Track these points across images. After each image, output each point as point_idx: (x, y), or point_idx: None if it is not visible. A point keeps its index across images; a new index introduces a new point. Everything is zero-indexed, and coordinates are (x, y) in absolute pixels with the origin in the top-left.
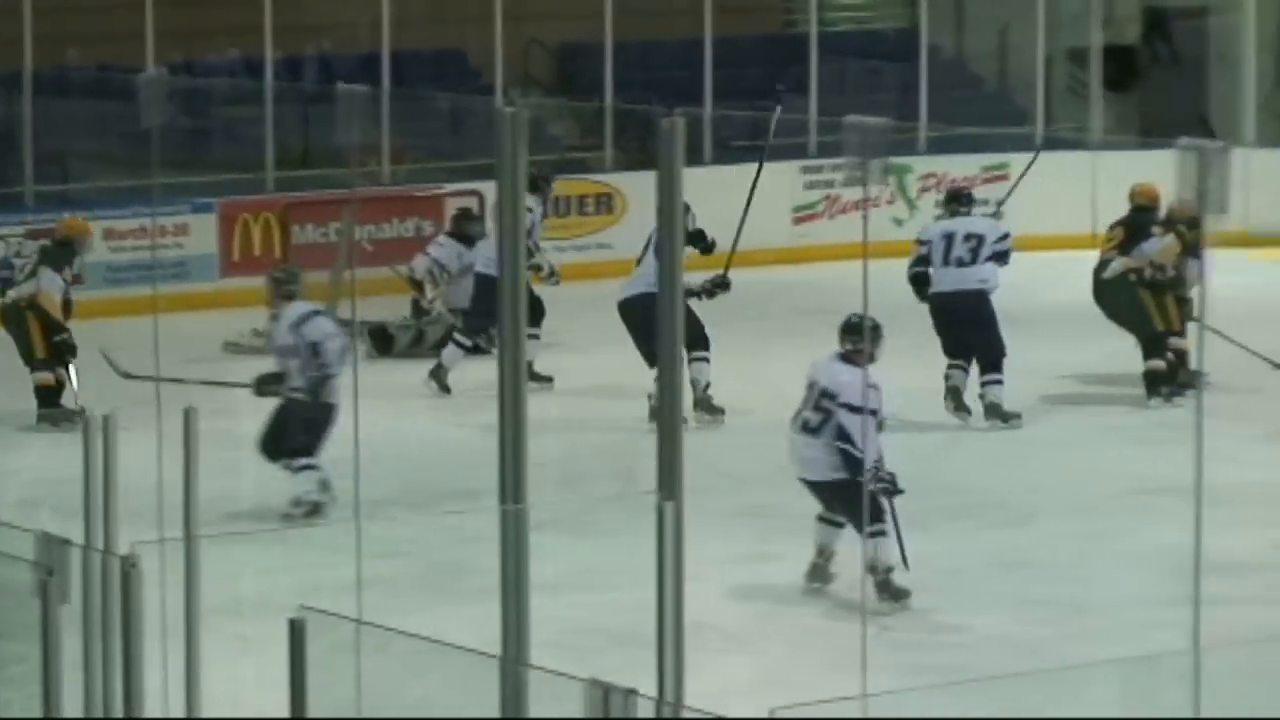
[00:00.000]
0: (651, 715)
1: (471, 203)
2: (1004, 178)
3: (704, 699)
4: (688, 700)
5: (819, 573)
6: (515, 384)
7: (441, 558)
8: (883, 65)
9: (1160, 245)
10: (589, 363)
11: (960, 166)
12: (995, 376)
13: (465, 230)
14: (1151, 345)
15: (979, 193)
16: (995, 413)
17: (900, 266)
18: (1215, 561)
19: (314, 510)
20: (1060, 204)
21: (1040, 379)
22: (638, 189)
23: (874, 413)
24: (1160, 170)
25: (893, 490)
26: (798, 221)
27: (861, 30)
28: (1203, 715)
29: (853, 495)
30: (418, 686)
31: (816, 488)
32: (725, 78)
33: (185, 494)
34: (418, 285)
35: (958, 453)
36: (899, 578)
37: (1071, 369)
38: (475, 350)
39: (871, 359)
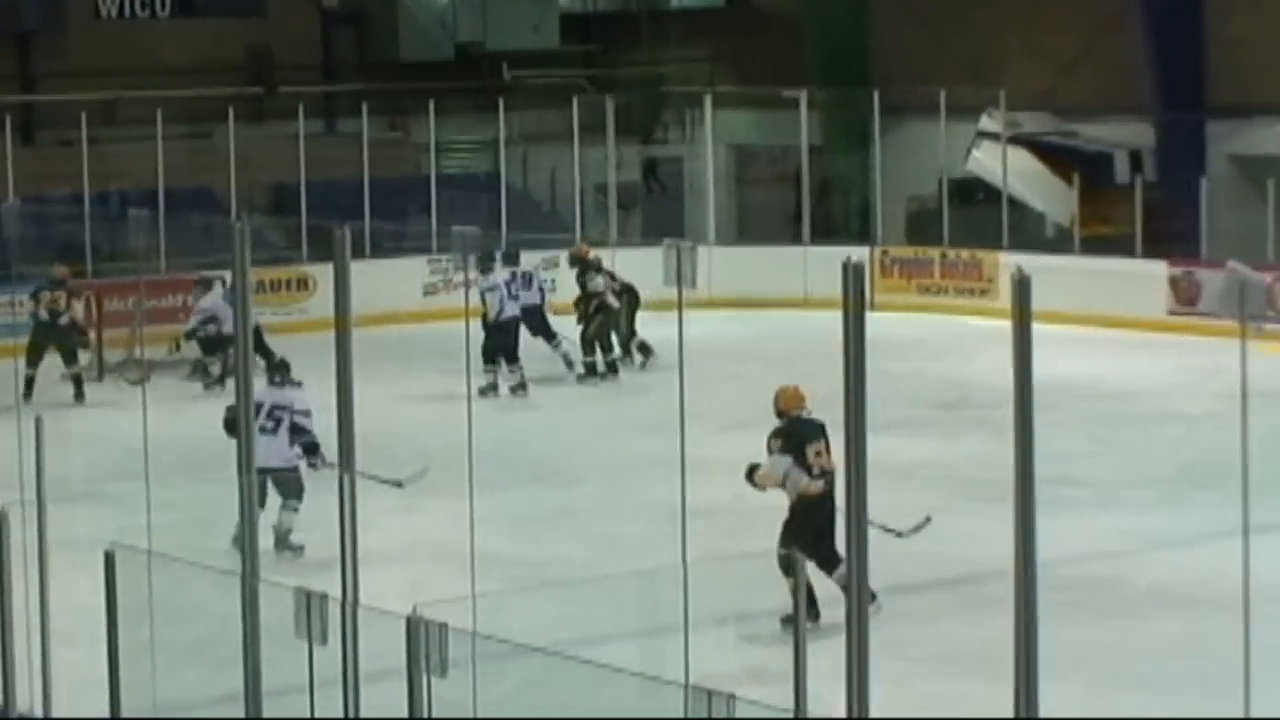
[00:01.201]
0: (337, 613)
1: (215, 283)
2: (555, 265)
3: (372, 599)
4: (362, 601)
5: (284, 542)
6: (246, 405)
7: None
8: (478, 195)
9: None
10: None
11: (529, 260)
12: None
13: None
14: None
15: (543, 276)
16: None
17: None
18: (695, 508)
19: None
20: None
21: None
22: (323, 275)
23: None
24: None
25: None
26: (426, 294)
27: (464, 173)
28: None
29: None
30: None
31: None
32: (377, 203)
33: (37, 468)
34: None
35: (524, 426)
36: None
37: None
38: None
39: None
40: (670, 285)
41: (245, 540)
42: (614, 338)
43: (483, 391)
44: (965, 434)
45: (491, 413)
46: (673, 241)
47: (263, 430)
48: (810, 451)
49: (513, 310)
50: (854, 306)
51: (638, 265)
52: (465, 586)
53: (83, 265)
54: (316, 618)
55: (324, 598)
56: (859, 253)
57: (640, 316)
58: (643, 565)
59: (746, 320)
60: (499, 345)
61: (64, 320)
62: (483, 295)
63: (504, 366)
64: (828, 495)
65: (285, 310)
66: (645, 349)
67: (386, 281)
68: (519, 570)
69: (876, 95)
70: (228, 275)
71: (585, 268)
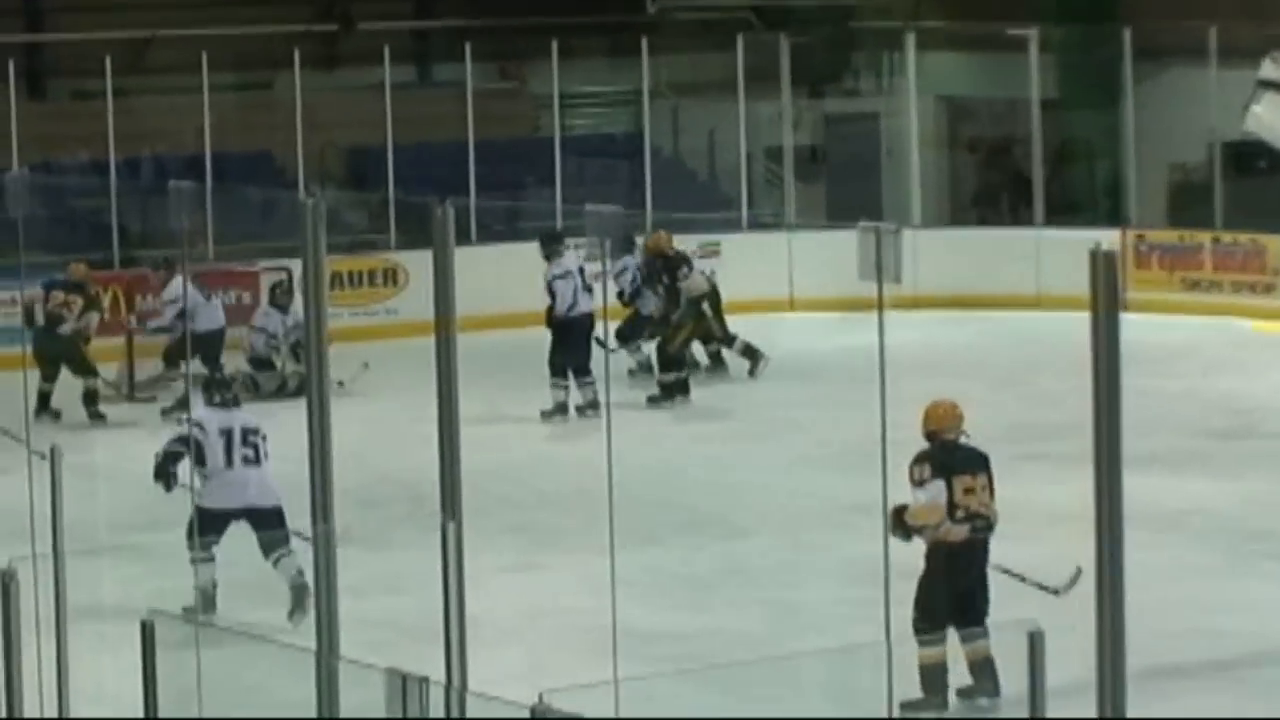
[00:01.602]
0: (441, 699)
1: (281, 277)
2: (716, 254)
3: (485, 684)
4: (471, 685)
5: (302, 601)
6: (322, 420)
7: (267, 568)
8: (614, 163)
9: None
10: (383, 408)
11: (681, 245)
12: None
13: (279, 302)
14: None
15: (699, 267)
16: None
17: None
18: (901, 567)
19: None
20: (763, 275)
21: (751, 418)
22: (416, 264)
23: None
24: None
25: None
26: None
27: (596, 134)
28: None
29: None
30: (248, 677)
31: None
32: (485, 173)
33: (53, 516)
34: (263, 362)
35: (687, 478)
36: None
37: (773, 409)
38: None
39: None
40: (866, 280)
41: (324, 605)
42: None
43: (547, 415)
44: (1248, 471)
45: (599, 440)
46: (870, 224)
47: (246, 461)
48: (959, 486)
49: (586, 305)
50: (1104, 306)
51: (821, 253)
52: (603, 668)
53: (107, 254)
54: (415, 706)
55: (424, 681)
56: (1108, 237)
57: (826, 319)
58: (833, 641)
59: (962, 324)
60: (569, 348)
61: (65, 329)
62: (550, 285)
63: (570, 378)
64: (977, 546)
65: (367, 310)
66: (753, 353)
67: (497, 274)
68: (671, 647)
69: (1128, 35)
70: (296, 268)
71: (670, 265)
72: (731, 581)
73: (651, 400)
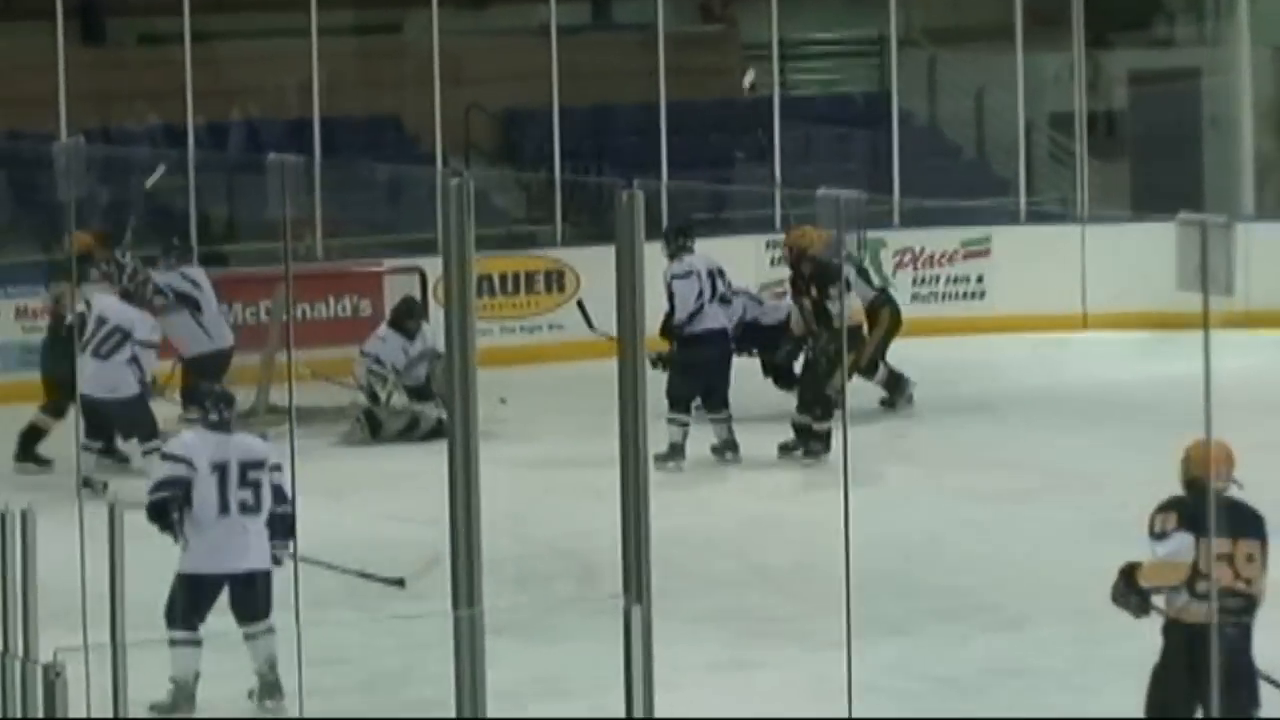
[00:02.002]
0: None
1: (412, 281)
2: (985, 253)
3: None
4: None
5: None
6: (467, 473)
7: (388, 665)
8: (851, 132)
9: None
10: (541, 451)
11: (938, 241)
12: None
13: (405, 324)
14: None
15: (960, 269)
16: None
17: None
18: None
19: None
20: (1047, 282)
21: (1025, 470)
22: (590, 265)
23: None
24: (1149, 243)
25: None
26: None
27: (828, 94)
28: None
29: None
30: None
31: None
32: (681, 145)
33: (111, 595)
34: (371, 395)
35: (939, 551)
36: None
37: (1055, 459)
38: None
39: None
40: (1186, 290)
41: (468, 714)
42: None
43: (661, 460)
44: None
45: (817, 498)
46: (1191, 216)
47: (244, 508)
48: (1213, 550)
49: (718, 318)
50: None
51: (1124, 254)
52: None
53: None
54: None
55: None
56: None
57: (1130, 339)
58: None
59: None
60: (693, 370)
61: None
62: (669, 286)
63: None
64: (1229, 630)
65: (528, 324)
66: (899, 383)
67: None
68: None
69: None
70: (433, 269)
71: (821, 274)
72: (1004, 686)
73: (784, 449)
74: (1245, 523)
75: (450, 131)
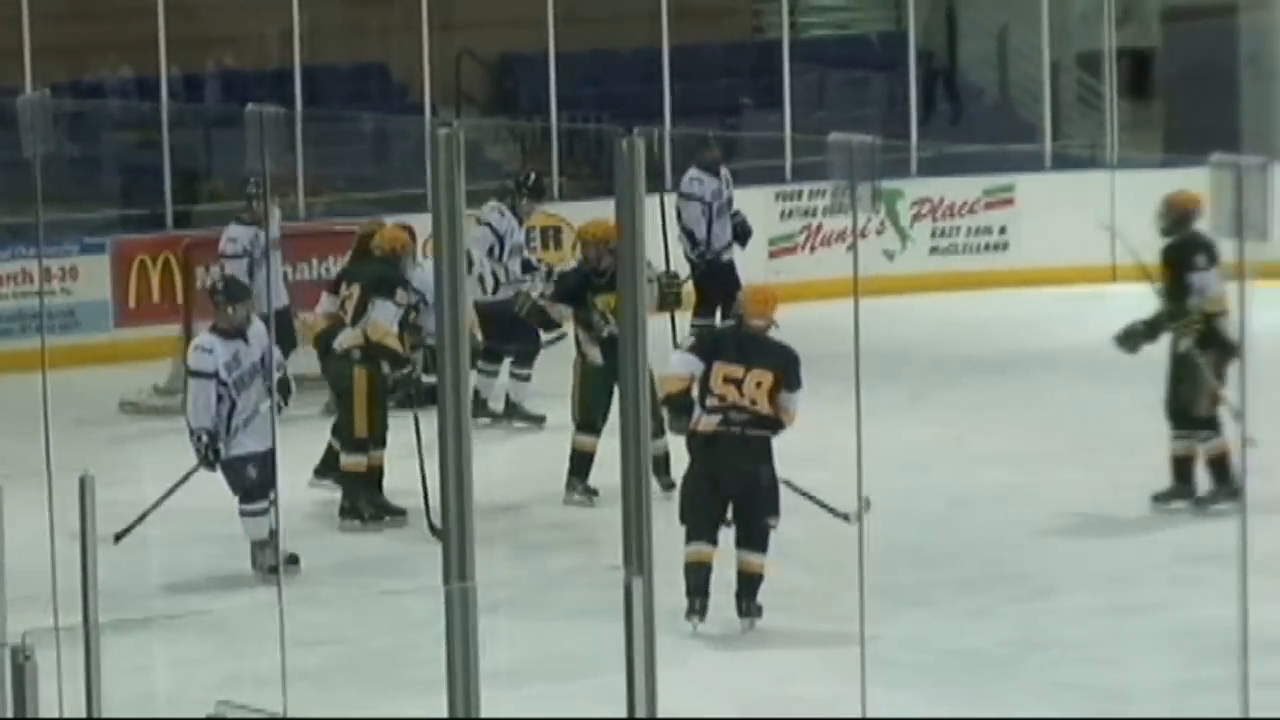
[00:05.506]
0: None
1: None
2: (1009, 202)
3: None
4: None
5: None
6: (458, 439)
7: (378, 645)
8: (866, 75)
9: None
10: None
11: (959, 190)
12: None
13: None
14: None
15: (982, 219)
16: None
17: (893, 305)
18: (1265, 638)
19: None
20: (1074, 232)
21: (1051, 431)
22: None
23: None
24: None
25: None
26: (774, 255)
27: (841, 36)
28: None
29: None
30: None
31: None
32: (686, 91)
33: (83, 575)
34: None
35: (961, 518)
36: None
37: (1084, 419)
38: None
39: None
40: (1221, 237)
41: (460, 696)
42: None
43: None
44: None
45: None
46: (1226, 158)
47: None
48: (719, 373)
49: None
50: None
51: (1156, 201)
52: None
53: (156, 206)
54: None
55: None
56: None
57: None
58: None
59: None
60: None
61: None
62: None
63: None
64: (743, 440)
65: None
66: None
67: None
68: None
69: None
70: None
71: (1193, 259)
72: (1031, 659)
73: (1159, 499)
74: (764, 355)
75: (440, 80)
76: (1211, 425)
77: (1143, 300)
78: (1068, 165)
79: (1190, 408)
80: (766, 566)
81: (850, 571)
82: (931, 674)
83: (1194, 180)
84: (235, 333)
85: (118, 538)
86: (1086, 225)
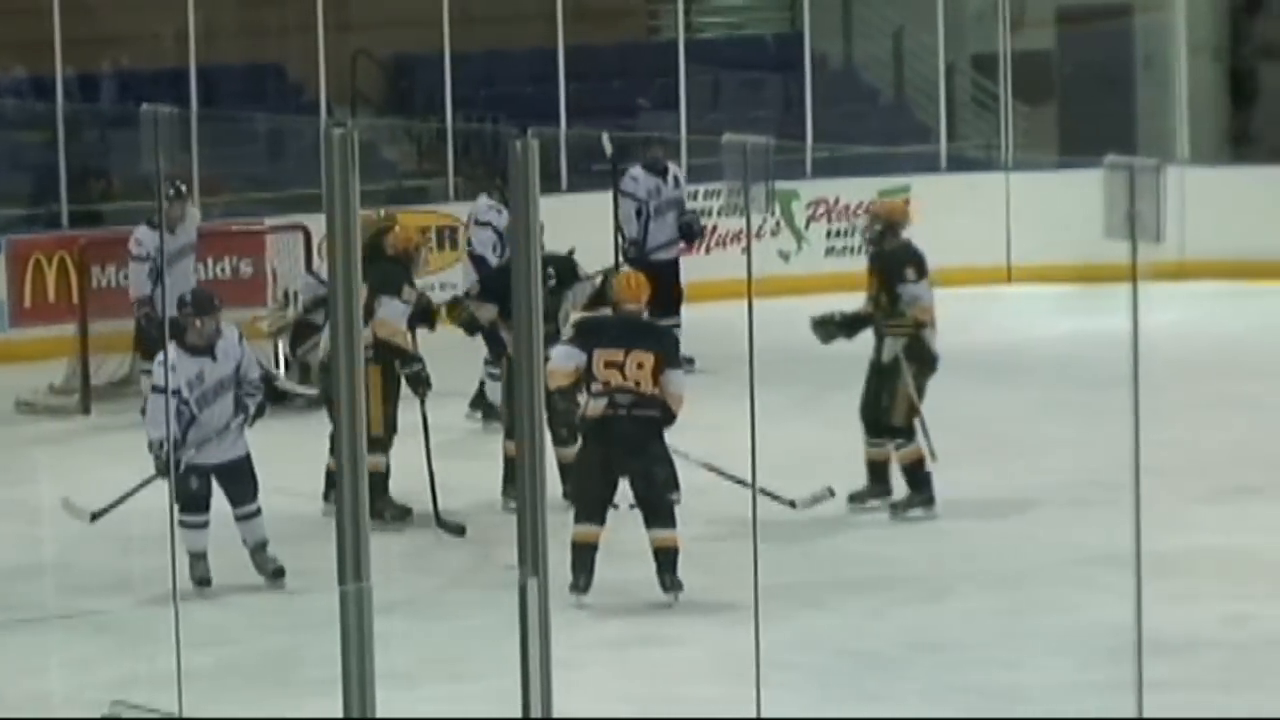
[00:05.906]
0: None
1: (295, 240)
2: (904, 203)
3: None
4: None
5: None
6: (353, 441)
7: (274, 645)
8: (762, 77)
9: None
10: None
11: (854, 190)
12: None
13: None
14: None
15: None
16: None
17: (789, 306)
18: (1160, 640)
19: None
20: (969, 233)
21: (943, 433)
22: None
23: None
24: (1075, 191)
25: None
26: None
27: (736, 37)
28: None
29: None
30: None
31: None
32: (581, 92)
33: None
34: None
35: (860, 520)
36: None
37: (976, 421)
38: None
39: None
40: (1114, 239)
41: (355, 698)
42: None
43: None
44: None
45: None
46: (1120, 160)
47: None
48: (601, 359)
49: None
50: None
51: (1051, 202)
52: None
53: (51, 207)
54: None
55: None
56: None
57: (1056, 294)
58: None
59: (1244, 300)
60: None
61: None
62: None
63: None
64: (632, 420)
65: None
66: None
67: (603, 230)
68: None
69: None
70: (316, 226)
71: (902, 270)
72: (923, 660)
73: (855, 499)
74: (640, 337)
75: (336, 80)
76: (906, 434)
77: (1036, 301)
78: (963, 167)
79: (888, 415)
80: (679, 540)
81: (744, 573)
82: (825, 675)
83: (1089, 182)
84: (204, 349)
85: (94, 517)
86: (981, 227)
